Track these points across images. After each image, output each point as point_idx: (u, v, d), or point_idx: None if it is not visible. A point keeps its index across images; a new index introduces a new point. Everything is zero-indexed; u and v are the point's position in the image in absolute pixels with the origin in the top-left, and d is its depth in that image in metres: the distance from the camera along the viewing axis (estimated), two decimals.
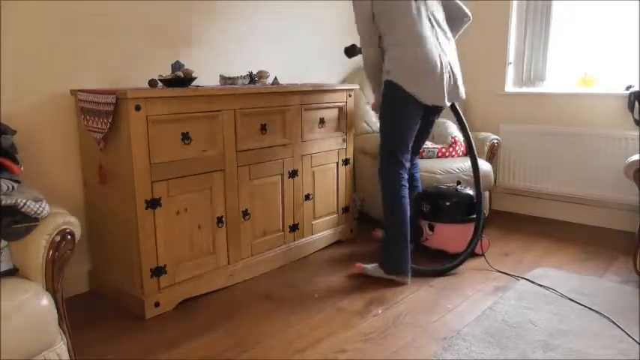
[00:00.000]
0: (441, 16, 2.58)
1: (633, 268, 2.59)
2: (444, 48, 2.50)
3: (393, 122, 2.57)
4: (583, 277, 2.63)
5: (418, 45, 2.43)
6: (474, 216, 2.82)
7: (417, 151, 2.88)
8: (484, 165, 3.37)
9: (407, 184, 2.60)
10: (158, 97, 2.18)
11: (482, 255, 2.87)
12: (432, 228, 2.87)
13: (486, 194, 3.45)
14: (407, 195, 2.58)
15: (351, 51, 2.89)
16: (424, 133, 2.81)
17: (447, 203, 2.82)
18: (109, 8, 2.47)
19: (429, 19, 2.50)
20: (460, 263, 2.69)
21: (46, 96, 2.33)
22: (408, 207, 2.58)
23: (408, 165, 2.62)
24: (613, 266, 2.79)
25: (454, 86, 2.57)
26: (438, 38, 2.50)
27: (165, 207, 2.25)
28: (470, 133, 2.87)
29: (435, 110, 2.68)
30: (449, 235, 2.83)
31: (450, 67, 2.52)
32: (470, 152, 2.84)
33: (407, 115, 2.53)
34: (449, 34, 2.60)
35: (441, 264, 2.71)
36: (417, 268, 2.66)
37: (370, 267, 2.66)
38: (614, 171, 3.29)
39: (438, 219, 2.84)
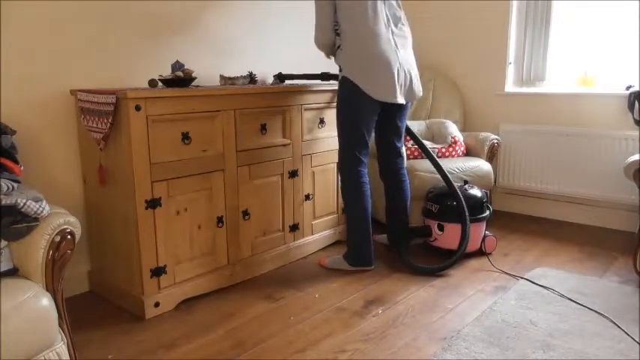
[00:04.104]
0: (400, 14, 2.64)
1: (633, 268, 2.59)
2: (399, 47, 2.55)
3: (349, 119, 2.61)
4: (583, 277, 2.63)
5: (371, 42, 2.48)
6: (485, 214, 2.87)
7: (392, 152, 2.85)
8: (484, 165, 3.38)
9: (367, 180, 2.67)
10: (158, 97, 2.18)
11: (488, 255, 2.89)
12: (441, 228, 2.87)
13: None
14: (367, 190, 2.66)
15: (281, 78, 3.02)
16: (392, 134, 2.80)
17: (456, 203, 2.81)
18: (109, 8, 2.47)
19: (386, 18, 2.55)
20: (454, 262, 2.69)
21: (46, 96, 2.33)
22: (369, 201, 2.67)
23: (366, 161, 2.68)
24: (613, 266, 2.79)
25: (410, 85, 2.61)
26: (392, 37, 2.55)
27: (165, 207, 2.25)
28: (426, 147, 2.97)
29: (396, 109, 2.69)
30: (460, 235, 2.79)
31: (405, 68, 2.56)
32: (432, 161, 2.91)
33: (361, 111, 2.57)
34: (407, 34, 2.65)
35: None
36: (414, 264, 2.70)
37: (333, 259, 2.78)
38: (614, 171, 3.29)
39: (448, 219, 2.83)
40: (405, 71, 2.56)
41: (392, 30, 2.56)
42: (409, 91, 2.62)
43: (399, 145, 2.85)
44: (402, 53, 2.57)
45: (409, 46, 2.66)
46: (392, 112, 2.70)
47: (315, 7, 2.59)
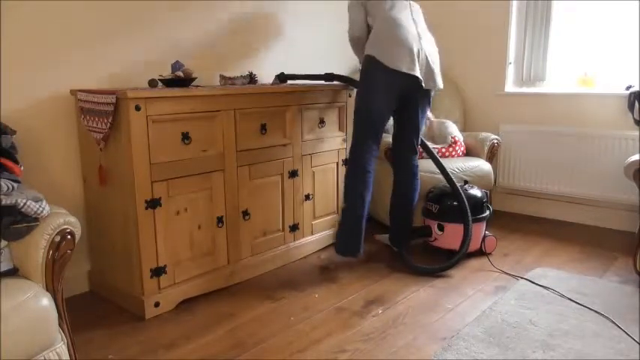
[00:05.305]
0: (422, 24, 2.71)
1: (633, 268, 2.59)
2: (422, 38, 2.61)
3: (364, 97, 2.63)
4: (583, 277, 2.63)
5: (393, 26, 2.56)
6: (485, 214, 2.87)
7: (408, 150, 2.84)
8: (484, 165, 3.38)
9: (371, 169, 2.66)
10: (158, 97, 2.18)
11: (488, 255, 2.90)
12: (441, 228, 2.87)
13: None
14: (369, 180, 2.65)
15: (282, 79, 3.02)
16: (411, 131, 2.80)
17: (456, 203, 2.80)
18: (108, 8, 2.47)
19: (412, 15, 2.64)
20: (455, 263, 2.69)
21: (46, 96, 2.33)
22: (368, 191, 2.66)
23: (376, 150, 2.68)
24: (613, 266, 2.79)
25: (431, 72, 2.63)
26: (417, 29, 2.61)
27: (165, 207, 2.25)
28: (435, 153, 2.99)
29: (416, 98, 2.68)
30: (460, 235, 2.78)
31: (427, 55, 2.61)
32: (437, 163, 2.93)
33: (376, 87, 2.57)
34: (431, 38, 2.72)
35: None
36: (414, 264, 2.71)
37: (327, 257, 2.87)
38: (614, 171, 3.29)
39: (448, 219, 2.83)
40: (426, 56, 2.60)
41: (415, 20, 2.63)
42: (429, 76, 2.63)
43: (416, 142, 2.84)
44: (425, 44, 2.62)
45: (434, 46, 2.71)
46: (412, 102, 2.69)
47: (348, 7, 2.76)
